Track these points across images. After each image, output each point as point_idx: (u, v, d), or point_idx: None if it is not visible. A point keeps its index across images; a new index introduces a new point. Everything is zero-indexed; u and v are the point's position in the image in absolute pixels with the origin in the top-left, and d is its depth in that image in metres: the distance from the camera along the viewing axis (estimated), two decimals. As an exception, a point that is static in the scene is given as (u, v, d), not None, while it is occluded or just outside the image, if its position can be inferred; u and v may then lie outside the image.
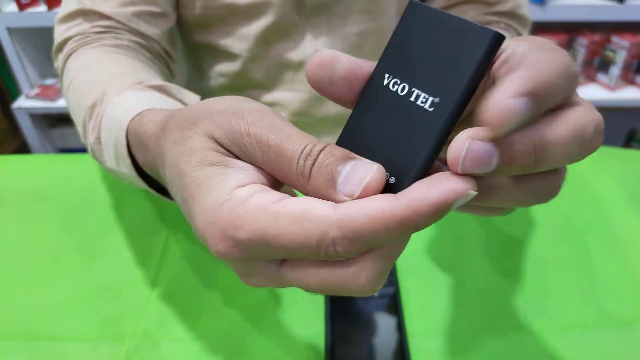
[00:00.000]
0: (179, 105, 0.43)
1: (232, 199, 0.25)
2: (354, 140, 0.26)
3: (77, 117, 0.49)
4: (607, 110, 1.76)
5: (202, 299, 0.49)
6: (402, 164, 0.25)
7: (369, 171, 0.24)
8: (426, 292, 0.49)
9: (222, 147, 0.27)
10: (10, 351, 0.45)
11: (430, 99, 0.24)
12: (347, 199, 0.24)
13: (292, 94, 0.71)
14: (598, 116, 0.25)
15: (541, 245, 0.55)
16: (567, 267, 0.52)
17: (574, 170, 0.64)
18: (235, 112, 0.27)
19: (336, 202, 0.24)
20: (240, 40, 0.67)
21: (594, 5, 1.58)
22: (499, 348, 0.44)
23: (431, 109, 0.24)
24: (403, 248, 0.25)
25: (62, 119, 1.98)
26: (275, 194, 0.25)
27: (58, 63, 0.59)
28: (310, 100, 0.71)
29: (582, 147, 0.25)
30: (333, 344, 0.43)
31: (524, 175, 0.26)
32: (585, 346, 0.45)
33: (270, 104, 0.72)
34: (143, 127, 0.36)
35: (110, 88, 0.46)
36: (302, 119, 0.73)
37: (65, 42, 0.58)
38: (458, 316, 0.47)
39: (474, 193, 0.23)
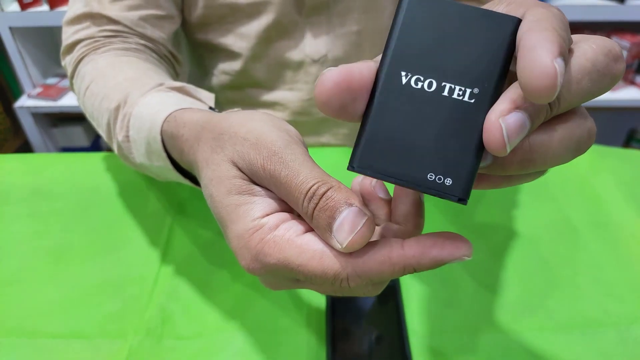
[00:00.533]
0: (198, 105, 0.46)
1: (262, 228, 0.29)
2: (388, 143, 0.25)
3: (99, 120, 0.52)
4: (607, 110, 1.77)
5: (204, 296, 0.50)
6: (455, 160, 0.24)
7: (359, 222, 0.27)
8: (427, 290, 0.50)
9: (245, 175, 0.31)
10: (14, 348, 0.46)
11: (468, 90, 0.24)
12: (339, 245, 0.27)
13: (292, 93, 0.72)
14: (591, 124, 0.26)
15: (542, 245, 0.55)
16: (568, 266, 0.52)
17: (573, 170, 0.65)
18: (254, 143, 0.30)
19: (332, 246, 0.28)
20: (241, 38, 0.68)
21: (594, 5, 1.58)
22: (499, 346, 0.45)
23: (472, 100, 0.24)
24: None
25: (64, 118, 1.98)
26: (299, 226, 0.29)
27: (66, 63, 0.60)
28: (310, 100, 0.72)
29: (574, 154, 0.26)
30: (334, 342, 0.43)
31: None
32: (586, 346, 0.45)
33: (271, 104, 0.73)
34: (179, 131, 0.39)
35: (133, 90, 0.48)
36: (303, 118, 0.73)
37: (74, 44, 0.59)
38: (458, 314, 0.48)
39: (468, 259, 0.27)
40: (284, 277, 0.31)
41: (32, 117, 1.82)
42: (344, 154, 0.69)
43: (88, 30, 0.60)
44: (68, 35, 0.60)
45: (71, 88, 0.62)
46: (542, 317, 0.47)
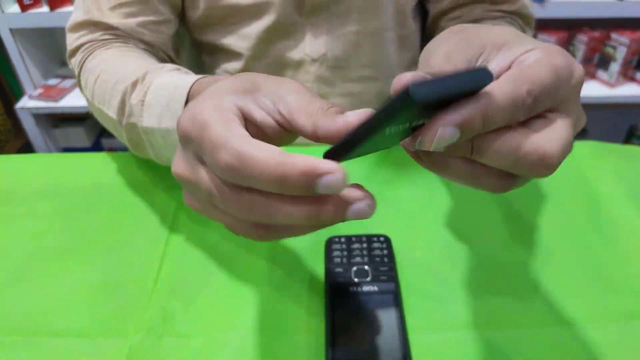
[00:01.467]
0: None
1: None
2: None
3: (110, 102, 0.54)
4: (607, 107, 1.77)
5: (204, 295, 0.50)
6: None
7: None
8: (426, 287, 0.50)
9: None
10: (15, 347, 0.46)
11: None
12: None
13: None
14: (544, 150, 0.29)
15: (541, 241, 0.55)
16: (567, 263, 0.53)
17: (573, 167, 0.65)
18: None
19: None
20: (242, 39, 0.69)
21: (593, 2, 1.58)
22: (498, 342, 0.45)
23: None
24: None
25: (65, 119, 1.99)
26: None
27: (72, 65, 0.63)
28: None
29: (515, 167, 0.30)
30: (333, 339, 0.43)
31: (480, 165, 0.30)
32: (585, 341, 0.45)
33: None
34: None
35: (152, 69, 0.52)
36: None
37: (77, 49, 0.63)
38: (458, 311, 0.48)
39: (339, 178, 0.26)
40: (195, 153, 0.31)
41: (33, 118, 1.83)
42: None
43: (89, 35, 0.63)
44: (72, 41, 0.64)
45: (79, 86, 0.63)
46: (541, 313, 0.47)
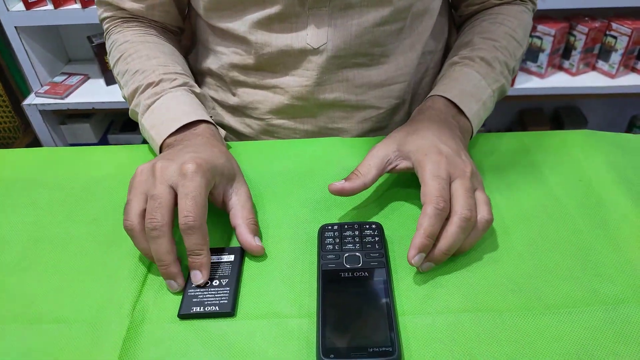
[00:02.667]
0: (205, 116, 0.67)
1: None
2: None
3: (127, 83, 0.71)
4: (609, 97, 1.76)
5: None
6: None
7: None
8: (416, 271, 0.51)
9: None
10: (17, 334, 0.48)
11: None
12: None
13: (293, 78, 0.74)
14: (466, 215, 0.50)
15: (531, 226, 0.56)
16: (556, 248, 0.53)
17: (565, 154, 0.66)
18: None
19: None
20: (244, 24, 0.71)
21: (594, -9, 1.58)
22: (487, 326, 0.46)
23: None
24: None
25: (72, 115, 2.01)
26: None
27: (104, 33, 0.81)
28: (309, 86, 0.74)
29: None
30: (325, 323, 0.45)
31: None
32: (573, 325, 0.46)
33: (273, 87, 0.76)
34: (176, 143, 0.63)
35: (165, 78, 0.68)
36: (301, 103, 0.76)
37: (102, 20, 0.80)
38: (447, 295, 0.49)
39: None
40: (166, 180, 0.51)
41: (41, 114, 1.85)
42: (331, 144, 0.71)
43: (108, 12, 0.78)
44: (99, 14, 0.81)
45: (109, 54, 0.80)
46: (530, 298, 0.48)
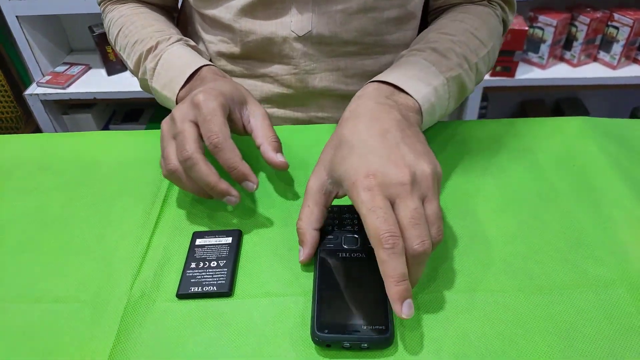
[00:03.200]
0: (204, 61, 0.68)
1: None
2: None
3: (129, 55, 0.74)
4: (610, 88, 1.76)
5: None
6: None
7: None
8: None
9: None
10: (19, 313, 0.49)
11: None
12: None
13: (281, 67, 0.74)
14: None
15: (523, 209, 0.57)
16: (549, 230, 0.54)
17: (559, 138, 0.67)
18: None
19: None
20: (229, 12, 0.71)
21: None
22: (479, 306, 0.47)
23: None
24: None
25: (74, 105, 2.02)
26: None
27: (101, 11, 0.84)
28: (296, 74, 0.74)
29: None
30: (320, 302, 0.45)
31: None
32: (564, 306, 0.46)
33: (261, 75, 0.76)
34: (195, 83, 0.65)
35: (162, 40, 0.70)
36: (291, 91, 0.76)
37: (99, 3, 0.83)
38: (441, 275, 0.50)
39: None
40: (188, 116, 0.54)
41: (42, 104, 1.85)
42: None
43: None
44: None
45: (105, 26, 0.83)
46: (522, 279, 0.49)
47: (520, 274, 0.50)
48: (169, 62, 0.68)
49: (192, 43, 0.73)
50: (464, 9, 0.74)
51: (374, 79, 0.58)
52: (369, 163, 0.46)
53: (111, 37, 0.79)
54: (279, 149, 0.57)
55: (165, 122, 0.56)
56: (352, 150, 0.48)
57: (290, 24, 0.70)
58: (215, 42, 0.77)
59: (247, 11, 0.70)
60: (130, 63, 0.74)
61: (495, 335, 0.44)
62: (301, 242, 0.50)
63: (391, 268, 0.41)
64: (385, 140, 0.48)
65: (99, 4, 0.83)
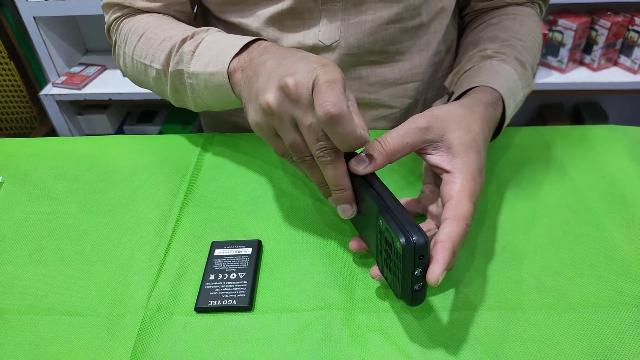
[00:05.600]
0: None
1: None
2: None
3: (154, 56, 0.64)
4: (630, 93, 1.73)
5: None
6: None
7: None
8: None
9: None
10: (31, 325, 0.47)
11: None
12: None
13: None
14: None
15: (555, 223, 0.55)
16: (581, 245, 0.52)
17: (587, 149, 0.65)
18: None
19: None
20: (258, 20, 0.70)
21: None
22: (509, 325, 0.45)
23: None
24: None
25: (88, 106, 2.02)
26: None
27: (112, 37, 0.74)
28: None
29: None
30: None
31: None
32: (598, 326, 0.45)
33: None
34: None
35: (198, 30, 0.61)
36: None
37: (111, 24, 0.73)
38: (470, 292, 0.48)
39: None
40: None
41: (57, 105, 1.86)
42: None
43: (119, 12, 0.72)
44: (107, 17, 0.73)
45: (113, 55, 0.74)
46: (554, 296, 0.47)
47: (552, 291, 0.48)
48: (213, 41, 0.58)
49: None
50: (515, 9, 0.75)
51: (485, 83, 0.58)
52: (481, 166, 0.50)
53: (128, 47, 0.69)
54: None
55: (275, 102, 0.45)
56: (474, 142, 0.50)
57: (318, 34, 0.69)
58: None
59: (275, 20, 0.69)
60: (157, 63, 0.64)
61: (528, 356, 0.43)
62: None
63: (458, 242, 0.43)
64: (485, 153, 0.52)
65: (110, 25, 0.74)
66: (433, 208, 0.51)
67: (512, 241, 0.53)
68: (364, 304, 0.47)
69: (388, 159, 0.46)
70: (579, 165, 0.63)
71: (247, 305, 0.47)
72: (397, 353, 0.43)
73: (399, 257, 0.41)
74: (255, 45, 0.54)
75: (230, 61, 0.54)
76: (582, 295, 0.47)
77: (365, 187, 0.45)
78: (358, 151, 0.46)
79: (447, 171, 0.48)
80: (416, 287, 0.42)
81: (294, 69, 0.44)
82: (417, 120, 0.48)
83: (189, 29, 0.62)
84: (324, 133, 0.43)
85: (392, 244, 0.41)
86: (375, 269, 0.46)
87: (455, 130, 0.49)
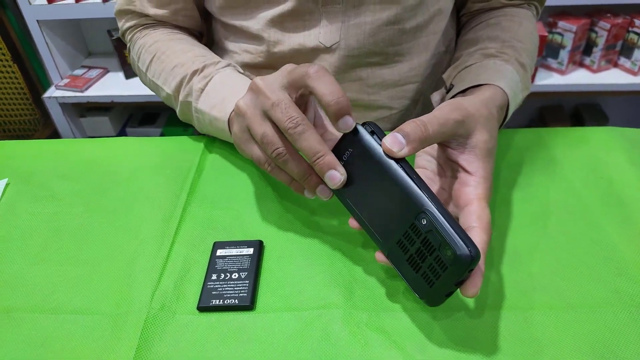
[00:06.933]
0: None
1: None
2: None
3: (166, 79, 0.69)
4: (630, 95, 1.74)
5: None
6: None
7: None
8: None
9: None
10: (37, 323, 0.48)
11: None
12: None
13: None
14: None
15: (553, 224, 0.55)
16: (579, 246, 0.53)
17: (586, 150, 0.65)
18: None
19: None
20: (258, 23, 0.71)
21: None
22: (507, 324, 0.45)
23: None
24: None
25: (91, 108, 2.03)
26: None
27: (126, 44, 0.80)
28: None
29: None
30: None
31: None
32: (596, 326, 0.45)
33: None
34: None
35: (208, 63, 0.66)
36: None
37: (125, 31, 0.79)
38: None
39: None
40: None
41: (60, 107, 1.86)
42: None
43: (132, 21, 0.77)
44: (120, 25, 0.79)
45: (129, 57, 0.80)
46: (552, 296, 0.48)
47: (549, 290, 0.48)
48: (221, 83, 0.63)
49: (241, 71, 0.68)
50: (512, 11, 0.76)
51: (492, 82, 0.59)
52: (493, 151, 0.50)
53: (142, 64, 0.74)
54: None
55: (243, 110, 0.49)
56: (491, 135, 0.50)
57: (319, 36, 0.69)
58: (239, 52, 0.76)
59: (276, 22, 0.70)
60: (168, 87, 0.68)
61: (526, 355, 0.43)
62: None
63: (488, 221, 0.45)
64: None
65: (124, 33, 0.79)
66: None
67: (510, 242, 0.54)
68: (363, 303, 0.48)
69: (422, 146, 0.45)
70: (577, 167, 0.63)
71: (248, 304, 0.48)
72: (396, 352, 0.44)
73: (441, 264, 0.40)
74: None
75: (231, 113, 0.58)
76: (580, 295, 0.48)
77: (394, 170, 0.43)
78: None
79: (467, 172, 0.47)
80: (448, 293, 0.42)
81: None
82: (452, 112, 0.47)
83: (199, 58, 0.67)
84: (291, 106, 0.45)
85: (437, 248, 0.40)
86: (380, 254, 0.46)
87: (483, 132, 0.48)
